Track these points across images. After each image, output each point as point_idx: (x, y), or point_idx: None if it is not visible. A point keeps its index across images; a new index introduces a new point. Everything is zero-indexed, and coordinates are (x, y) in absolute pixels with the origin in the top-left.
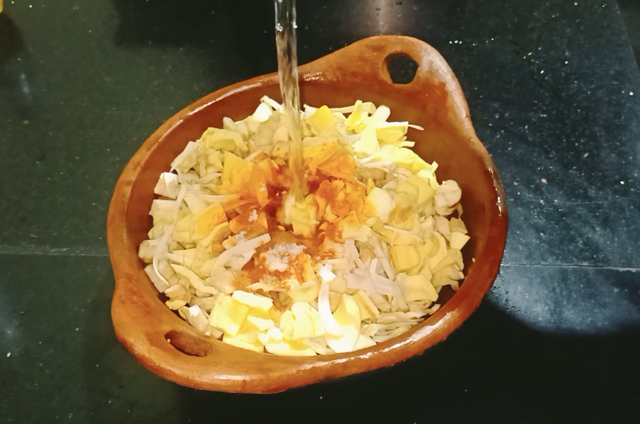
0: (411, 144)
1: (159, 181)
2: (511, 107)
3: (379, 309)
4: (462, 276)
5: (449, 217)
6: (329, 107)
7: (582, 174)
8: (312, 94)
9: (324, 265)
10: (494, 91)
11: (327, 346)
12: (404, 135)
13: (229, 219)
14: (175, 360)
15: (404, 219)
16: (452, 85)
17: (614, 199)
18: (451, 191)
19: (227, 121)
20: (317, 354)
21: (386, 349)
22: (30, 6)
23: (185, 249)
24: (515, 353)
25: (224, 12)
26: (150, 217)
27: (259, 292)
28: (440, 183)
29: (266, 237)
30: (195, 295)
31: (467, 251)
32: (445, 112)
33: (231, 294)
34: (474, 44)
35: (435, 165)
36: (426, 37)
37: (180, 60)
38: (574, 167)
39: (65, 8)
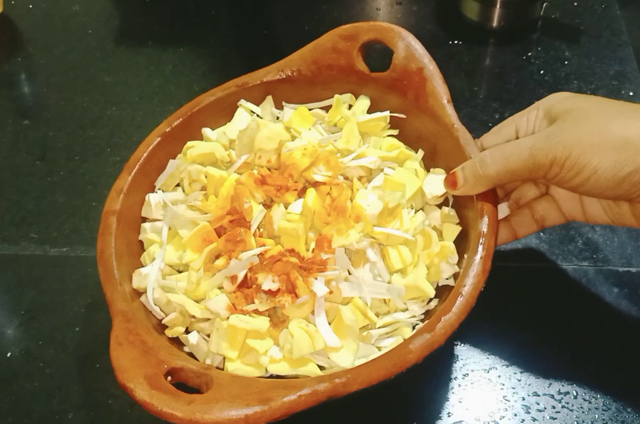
0: (395, 132)
1: (145, 203)
2: (511, 107)
3: (377, 313)
4: (457, 269)
5: (440, 206)
6: (308, 102)
7: None
8: (289, 90)
9: (316, 279)
10: (494, 91)
11: (329, 357)
12: (387, 124)
13: (219, 235)
14: (176, 402)
15: (393, 217)
16: (430, 70)
17: None
18: (439, 180)
19: (206, 131)
20: (319, 366)
21: (385, 362)
22: (30, 6)
23: (179, 271)
24: (515, 353)
25: (224, 12)
26: (141, 241)
27: (255, 312)
28: (428, 170)
29: (255, 259)
30: (193, 318)
31: (460, 240)
32: (426, 98)
33: (227, 318)
34: (474, 44)
35: (421, 153)
36: (426, 37)
37: (180, 60)
38: None
39: (65, 8)
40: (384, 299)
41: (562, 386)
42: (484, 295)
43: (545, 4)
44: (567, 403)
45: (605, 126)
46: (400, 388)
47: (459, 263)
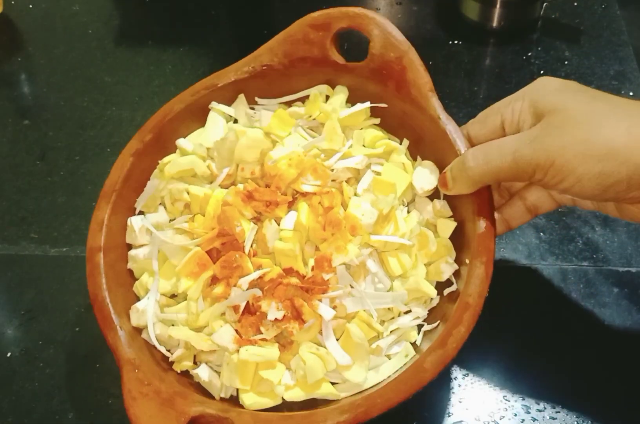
0: (377, 121)
1: (128, 228)
2: None
3: (382, 321)
4: (456, 266)
5: (431, 198)
6: (283, 95)
7: None
8: (261, 86)
9: (320, 301)
10: (494, 91)
11: (341, 374)
12: (369, 114)
13: (211, 257)
14: None
15: (388, 221)
16: (410, 57)
17: None
18: (429, 172)
19: (181, 143)
20: (333, 384)
21: (403, 385)
22: (30, 6)
23: (174, 294)
24: (514, 353)
25: (224, 12)
26: (130, 269)
27: (263, 339)
28: (414, 158)
29: (258, 291)
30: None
31: (456, 234)
32: (408, 88)
33: (237, 350)
34: (474, 44)
35: (406, 143)
36: (426, 37)
37: (180, 60)
38: None
39: (65, 8)
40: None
41: (562, 385)
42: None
43: (545, 4)
44: (567, 403)
45: (591, 134)
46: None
47: (460, 268)
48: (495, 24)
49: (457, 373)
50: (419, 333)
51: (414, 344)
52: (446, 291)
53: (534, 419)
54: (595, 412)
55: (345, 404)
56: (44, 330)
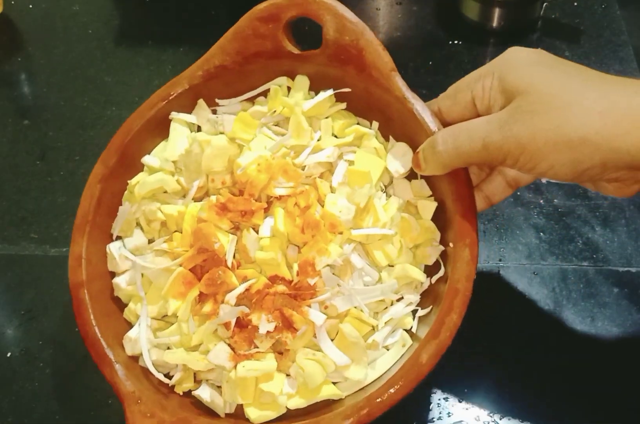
0: (343, 105)
1: (108, 256)
2: None
3: (375, 312)
4: (442, 248)
5: (409, 178)
6: (244, 93)
7: None
8: (219, 87)
9: (310, 307)
10: None
11: (341, 373)
12: (334, 101)
13: (196, 274)
14: None
15: (367, 212)
16: (367, 38)
17: (613, 199)
18: (402, 154)
19: (147, 161)
20: (333, 383)
21: (402, 381)
22: (30, 6)
23: (167, 316)
24: (515, 353)
25: (224, 12)
26: (118, 296)
27: (258, 352)
28: (386, 139)
29: (245, 309)
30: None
31: (438, 213)
32: (369, 70)
33: (234, 366)
34: (473, 45)
35: (375, 125)
36: (426, 37)
37: (180, 60)
38: None
39: (65, 8)
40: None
41: (563, 385)
42: (484, 295)
43: (545, 4)
44: (567, 402)
45: (561, 121)
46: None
47: (447, 249)
48: (495, 24)
49: (457, 372)
50: (414, 319)
51: (410, 331)
52: (434, 278)
53: (534, 419)
54: (596, 412)
55: (347, 408)
56: (44, 330)
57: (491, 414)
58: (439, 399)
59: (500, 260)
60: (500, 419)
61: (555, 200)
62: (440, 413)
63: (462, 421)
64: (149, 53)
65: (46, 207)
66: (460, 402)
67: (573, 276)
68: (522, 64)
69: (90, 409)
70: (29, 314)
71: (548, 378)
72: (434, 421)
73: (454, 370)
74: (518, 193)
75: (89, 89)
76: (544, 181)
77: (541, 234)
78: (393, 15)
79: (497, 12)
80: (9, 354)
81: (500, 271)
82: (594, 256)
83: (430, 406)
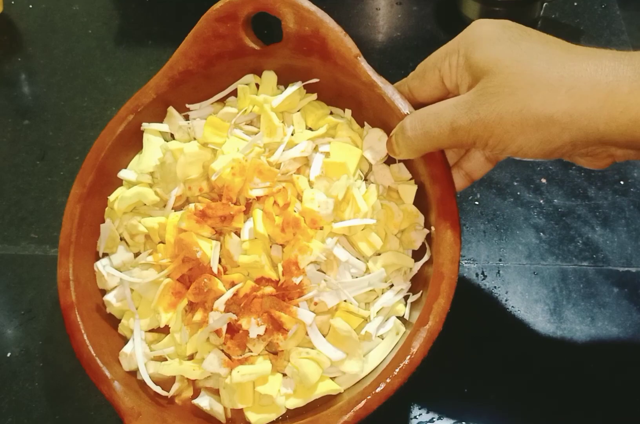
0: (314, 96)
1: (97, 274)
2: None
3: (366, 303)
4: (426, 231)
5: (388, 163)
6: (213, 95)
7: (582, 173)
8: (187, 92)
9: (298, 306)
10: None
11: (338, 368)
12: (304, 92)
13: (184, 283)
14: None
15: (347, 202)
16: (327, 26)
17: (613, 199)
18: (377, 140)
19: (124, 174)
20: (331, 378)
21: (396, 371)
22: (30, 6)
23: (160, 328)
24: (515, 353)
25: None
26: (110, 313)
27: (253, 355)
28: (361, 124)
29: (232, 315)
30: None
31: (419, 196)
32: (333, 58)
33: (229, 372)
34: None
35: (348, 112)
36: (426, 37)
37: None
38: (574, 167)
39: (65, 8)
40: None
41: (563, 385)
42: (484, 295)
43: (545, 4)
44: (568, 402)
45: (527, 102)
46: (400, 388)
47: (431, 232)
48: None
49: (457, 373)
50: (406, 305)
51: (403, 318)
52: (419, 264)
53: (534, 419)
54: (596, 412)
55: (344, 404)
56: (44, 330)
57: (491, 415)
58: (439, 400)
59: (500, 260)
60: (500, 420)
61: (555, 200)
62: (440, 412)
63: (462, 421)
64: (149, 53)
65: (46, 207)
66: (459, 403)
67: (573, 276)
68: (487, 40)
69: (90, 409)
70: (29, 314)
71: (548, 378)
72: (434, 421)
73: (454, 370)
74: (518, 193)
75: (89, 89)
76: (543, 180)
77: (541, 234)
78: (393, 15)
79: (497, 12)
80: (9, 354)
81: (500, 271)
82: (594, 256)
83: (430, 406)
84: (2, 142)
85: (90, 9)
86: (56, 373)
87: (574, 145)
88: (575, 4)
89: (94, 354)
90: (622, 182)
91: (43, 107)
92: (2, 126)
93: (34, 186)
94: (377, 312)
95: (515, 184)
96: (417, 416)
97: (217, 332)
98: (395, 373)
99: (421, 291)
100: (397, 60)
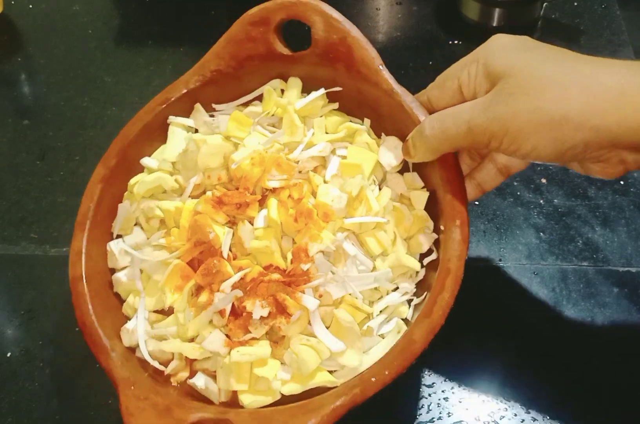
0: (335, 105)
1: (108, 253)
2: None
3: (370, 301)
4: (435, 236)
5: (401, 172)
6: (239, 97)
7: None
8: (215, 92)
9: (303, 293)
10: None
11: (337, 360)
12: (326, 100)
13: (193, 267)
14: None
15: (359, 201)
16: (353, 35)
17: (613, 199)
18: (394, 147)
19: (146, 162)
20: (329, 371)
21: (395, 359)
22: (30, 6)
23: (164, 310)
24: (515, 352)
25: (224, 12)
26: (117, 293)
27: (253, 338)
28: (378, 136)
29: (238, 292)
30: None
31: (430, 202)
32: (357, 66)
33: (229, 353)
34: (473, 45)
35: (367, 122)
36: (426, 37)
37: (180, 60)
38: None
39: (65, 8)
40: (374, 287)
41: (563, 385)
42: (484, 295)
43: (545, 4)
44: (567, 403)
45: (540, 101)
46: (400, 388)
47: (439, 236)
48: (495, 24)
49: (456, 372)
50: (409, 308)
51: (405, 319)
52: (426, 261)
53: (534, 420)
54: (596, 412)
55: (340, 388)
56: (44, 330)
57: (491, 414)
58: (439, 399)
59: (500, 260)
60: (500, 420)
61: (555, 200)
62: (440, 413)
63: (462, 421)
64: (149, 53)
65: (46, 207)
66: (460, 402)
67: (573, 276)
68: (504, 50)
69: (90, 409)
70: (29, 314)
71: (548, 378)
72: (434, 421)
73: (454, 370)
74: (518, 193)
75: (89, 89)
76: (543, 180)
77: (541, 234)
78: (393, 15)
79: (497, 12)
80: (9, 354)
81: (500, 271)
82: (594, 256)
83: (430, 406)
84: (2, 142)
85: (90, 9)
86: (56, 373)
87: (586, 146)
88: (575, 4)
89: (97, 325)
90: (622, 182)
91: (43, 107)
92: (2, 126)
93: (34, 186)
94: (381, 311)
95: (515, 184)
96: (417, 416)
97: (221, 313)
98: (395, 362)
99: (425, 294)
100: (397, 61)
